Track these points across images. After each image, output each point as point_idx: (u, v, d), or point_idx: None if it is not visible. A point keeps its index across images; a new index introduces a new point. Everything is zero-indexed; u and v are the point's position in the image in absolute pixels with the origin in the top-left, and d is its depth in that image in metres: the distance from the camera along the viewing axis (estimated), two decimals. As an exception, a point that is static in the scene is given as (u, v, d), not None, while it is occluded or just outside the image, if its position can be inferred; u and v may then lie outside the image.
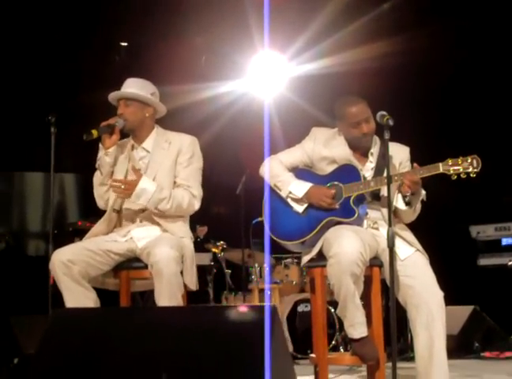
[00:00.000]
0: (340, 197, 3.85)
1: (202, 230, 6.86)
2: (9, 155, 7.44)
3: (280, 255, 6.82)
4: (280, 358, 2.61)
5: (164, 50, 7.18)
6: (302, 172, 4.01)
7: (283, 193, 3.94)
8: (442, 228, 7.58)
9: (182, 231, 3.98)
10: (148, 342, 2.69)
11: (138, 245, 3.86)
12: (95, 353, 2.72)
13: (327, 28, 6.93)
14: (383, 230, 3.71)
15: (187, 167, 4.03)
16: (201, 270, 6.24)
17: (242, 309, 2.58)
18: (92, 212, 5.53)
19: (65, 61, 7.24)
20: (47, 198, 7.47)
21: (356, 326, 3.61)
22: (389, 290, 3.54)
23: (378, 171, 3.87)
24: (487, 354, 6.30)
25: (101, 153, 4.02)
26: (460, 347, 6.23)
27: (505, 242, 7.35)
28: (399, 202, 3.79)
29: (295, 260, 6.75)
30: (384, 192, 3.75)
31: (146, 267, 3.72)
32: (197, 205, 4.03)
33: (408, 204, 3.77)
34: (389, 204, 3.56)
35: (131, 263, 3.90)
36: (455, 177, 3.69)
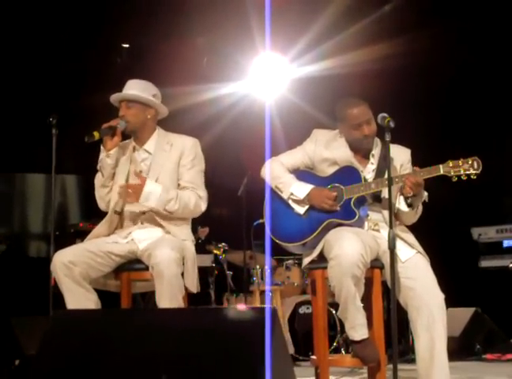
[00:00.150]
0: (341, 199, 3.85)
1: (204, 232, 6.86)
2: (10, 157, 7.44)
3: (281, 257, 6.82)
4: (280, 359, 2.61)
5: (166, 51, 7.19)
6: (303, 174, 4.01)
7: (284, 195, 3.94)
8: (443, 230, 7.57)
9: (185, 234, 3.98)
10: (148, 343, 2.69)
11: (139, 246, 3.86)
12: (95, 355, 2.72)
13: (328, 30, 6.93)
14: (384, 232, 3.71)
15: (191, 169, 4.03)
16: (203, 272, 6.24)
17: (241, 307, 2.58)
18: (93, 214, 5.54)
19: (66, 63, 7.24)
20: (48, 199, 7.48)
21: (357, 328, 3.61)
22: (389, 292, 3.54)
23: (379, 173, 3.87)
24: (488, 356, 6.29)
25: (102, 155, 4.02)
26: (461, 348, 6.23)
27: (506, 244, 7.34)
28: (401, 204, 3.79)
29: (297, 262, 6.75)
30: (385, 194, 3.75)
31: (147, 268, 3.73)
32: (203, 206, 4.03)
33: (410, 205, 3.77)
34: (390, 206, 3.57)
35: (132, 264, 3.90)
36: (456, 179, 3.69)
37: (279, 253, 6.12)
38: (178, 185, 4.02)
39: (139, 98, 4.01)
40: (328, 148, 3.98)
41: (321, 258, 3.77)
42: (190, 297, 3.89)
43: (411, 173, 3.78)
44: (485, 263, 7.38)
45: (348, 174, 3.88)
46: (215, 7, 6.87)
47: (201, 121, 7.02)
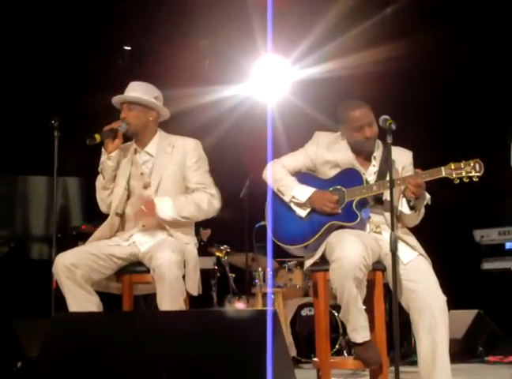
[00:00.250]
0: (342, 201, 3.85)
1: (205, 233, 6.85)
2: (12, 159, 7.44)
3: (283, 259, 6.81)
4: (281, 361, 2.60)
5: (168, 53, 7.19)
6: (304, 176, 4.00)
7: (286, 198, 3.94)
8: (445, 232, 7.57)
9: (187, 238, 3.98)
10: (149, 346, 2.69)
11: (141, 249, 3.87)
12: (95, 357, 2.72)
13: (330, 32, 6.93)
14: (386, 235, 3.71)
15: (197, 170, 4.04)
16: (205, 274, 6.22)
17: (240, 305, 2.59)
18: (95, 216, 5.53)
19: (68, 65, 7.24)
20: (50, 202, 7.49)
21: (359, 330, 3.60)
22: (391, 295, 3.54)
23: (380, 175, 3.87)
24: (490, 358, 6.29)
25: (103, 157, 4.02)
26: (464, 351, 6.23)
27: (508, 246, 7.33)
28: (404, 206, 3.79)
29: (299, 265, 6.73)
30: (387, 196, 3.75)
31: (148, 271, 3.73)
32: (217, 204, 4.03)
33: (412, 208, 3.77)
34: (391, 208, 3.56)
35: (134, 267, 3.90)
36: (458, 181, 3.69)
37: (281, 255, 6.12)
38: (188, 188, 4.02)
39: (140, 100, 4.01)
40: (330, 151, 3.98)
41: (323, 260, 3.77)
42: (192, 299, 3.89)
43: (412, 175, 3.78)
44: (487, 265, 7.36)
45: (349, 177, 3.88)
46: (217, 9, 6.88)
47: (203, 123, 7.01)
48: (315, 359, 3.90)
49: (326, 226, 3.81)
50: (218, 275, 7.08)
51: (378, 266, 3.75)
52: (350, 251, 3.51)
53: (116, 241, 3.94)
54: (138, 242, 3.89)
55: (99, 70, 7.38)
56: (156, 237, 3.91)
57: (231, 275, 7.02)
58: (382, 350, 3.68)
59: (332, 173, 3.94)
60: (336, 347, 6.14)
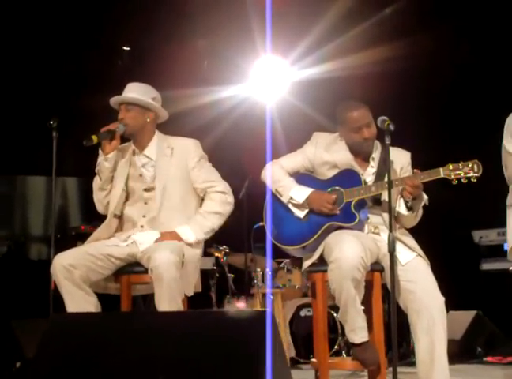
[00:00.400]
0: (341, 202, 3.85)
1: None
2: (11, 159, 7.44)
3: (283, 259, 6.80)
4: (277, 362, 2.60)
5: (167, 54, 7.19)
6: (303, 177, 4.01)
7: (284, 199, 3.94)
8: (444, 233, 7.57)
9: None
10: (147, 347, 2.69)
11: (140, 248, 3.86)
12: (93, 358, 2.71)
13: (329, 33, 6.93)
14: (384, 235, 3.70)
15: (201, 169, 4.04)
16: (204, 274, 6.22)
17: (240, 305, 2.59)
18: (94, 217, 5.51)
19: (67, 65, 7.24)
20: (49, 202, 7.48)
21: (357, 331, 3.60)
22: (390, 295, 3.54)
23: (379, 176, 3.87)
24: (489, 359, 6.29)
25: (100, 158, 4.02)
26: (462, 351, 6.23)
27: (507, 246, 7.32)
28: (401, 207, 3.79)
29: (298, 265, 6.72)
30: (385, 197, 3.75)
31: (147, 271, 3.72)
32: (229, 198, 4.05)
33: (410, 208, 3.77)
34: (389, 209, 3.57)
35: (132, 267, 3.90)
36: (456, 182, 3.69)
37: (281, 255, 6.12)
38: (196, 188, 4.03)
39: (138, 101, 4.01)
40: (328, 151, 3.98)
41: (322, 261, 3.77)
42: (190, 299, 3.89)
43: (410, 176, 3.78)
44: (486, 266, 7.36)
45: (348, 177, 3.88)
46: (216, 10, 6.87)
47: (202, 124, 7.01)
48: (314, 360, 3.91)
49: (325, 226, 3.81)
50: (217, 275, 7.07)
51: (376, 267, 3.76)
52: (348, 252, 3.51)
53: (114, 241, 3.93)
54: (138, 242, 3.89)
55: (98, 71, 7.38)
56: (154, 237, 3.90)
57: (230, 276, 7.02)
58: (380, 351, 3.68)
59: (330, 174, 3.95)
60: (335, 347, 6.14)
